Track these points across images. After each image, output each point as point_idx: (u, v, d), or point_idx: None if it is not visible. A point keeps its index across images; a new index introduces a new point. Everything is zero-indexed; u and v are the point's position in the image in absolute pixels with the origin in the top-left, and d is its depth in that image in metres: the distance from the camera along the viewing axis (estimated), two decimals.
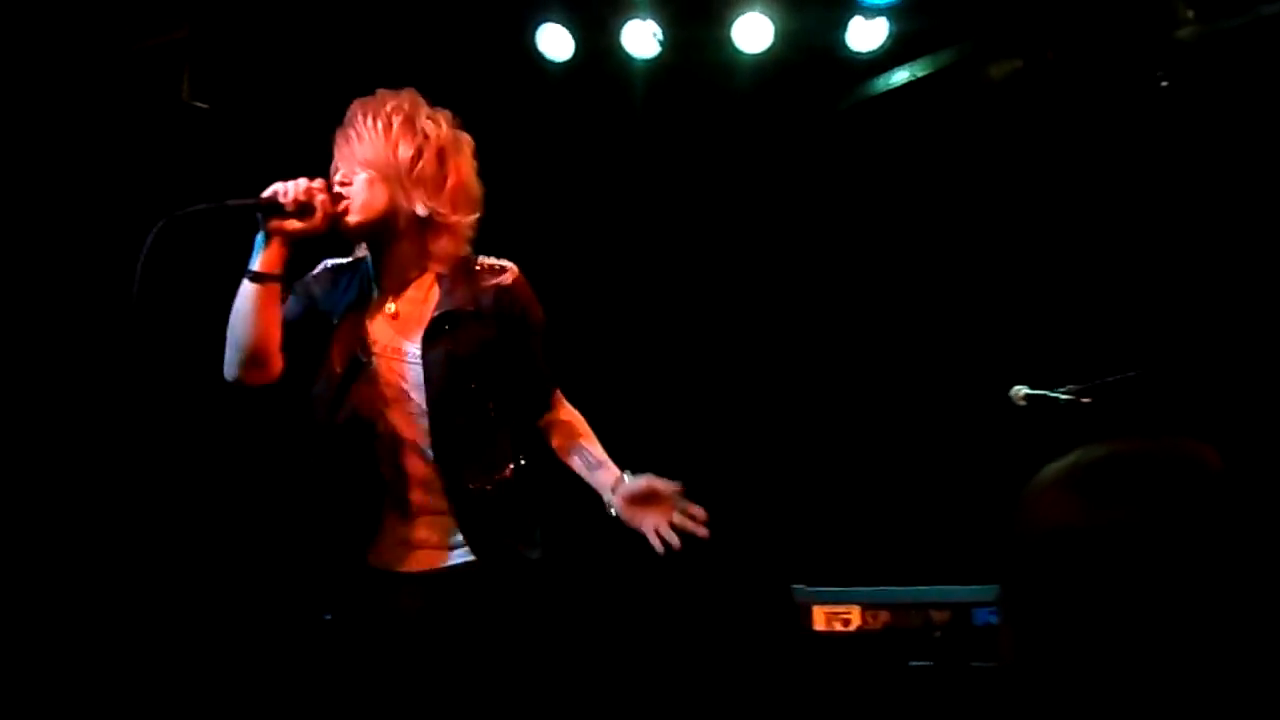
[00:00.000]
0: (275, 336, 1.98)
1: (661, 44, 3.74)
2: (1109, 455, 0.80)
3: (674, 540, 2.04)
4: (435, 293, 2.08)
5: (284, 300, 2.02)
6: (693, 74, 3.94)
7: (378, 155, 2.00)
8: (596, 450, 2.16)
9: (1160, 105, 3.46)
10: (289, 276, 2.03)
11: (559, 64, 3.81)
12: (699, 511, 2.05)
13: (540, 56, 3.79)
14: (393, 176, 2.00)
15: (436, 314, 2.04)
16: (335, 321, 2.07)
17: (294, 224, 1.94)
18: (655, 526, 2.04)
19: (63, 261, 3.33)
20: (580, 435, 2.18)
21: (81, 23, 3.26)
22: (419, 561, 2.05)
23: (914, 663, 2.66)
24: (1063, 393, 2.49)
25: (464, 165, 2.09)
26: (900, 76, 3.93)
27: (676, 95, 4.04)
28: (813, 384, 4.13)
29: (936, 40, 3.86)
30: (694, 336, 4.28)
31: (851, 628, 2.61)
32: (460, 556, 2.04)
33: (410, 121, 2.04)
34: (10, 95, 3.22)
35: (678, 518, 2.04)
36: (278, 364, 2.00)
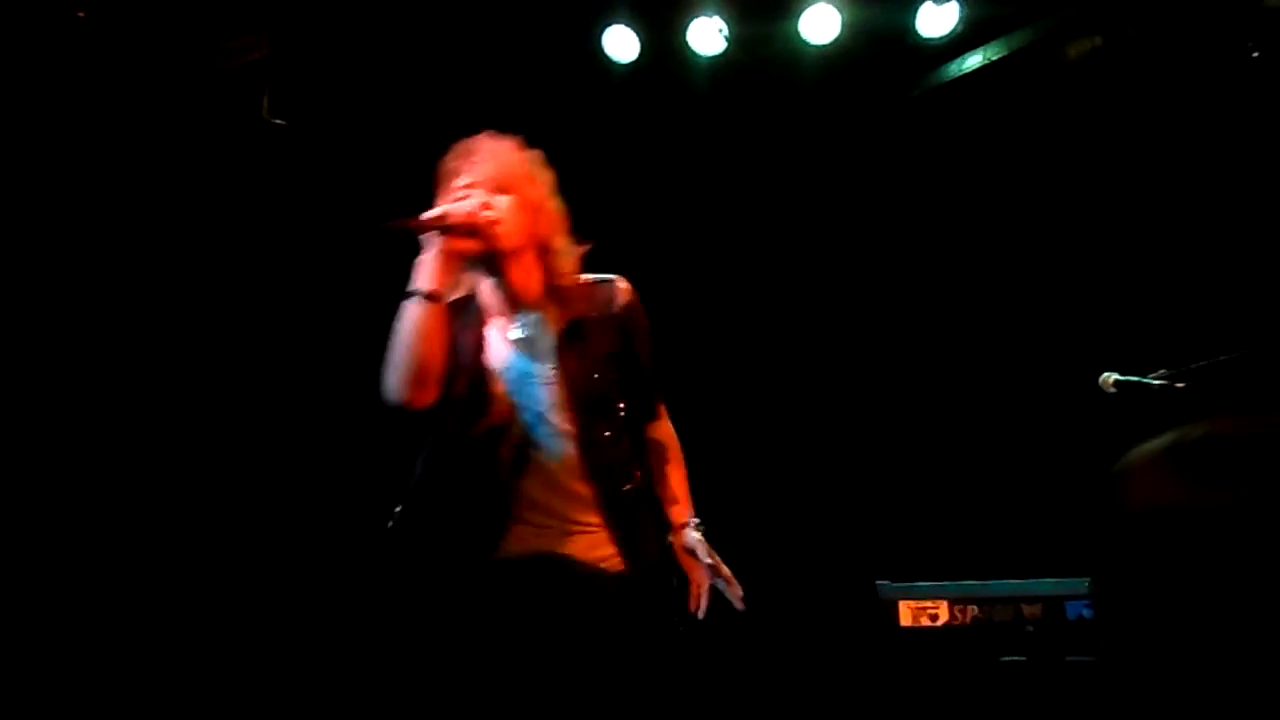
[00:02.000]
0: (443, 357, 1.98)
1: (728, 40, 3.72)
2: (1208, 434, 0.77)
3: (701, 609, 2.08)
4: (553, 312, 2.11)
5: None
6: (760, 69, 3.92)
7: (517, 181, 2.07)
8: (676, 482, 2.17)
9: (1251, 78, 3.32)
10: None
11: (625, 65, 3.82)
12: (737, 589, 2.06)
13: (606, 58, 3.81)
14: (528, 205, 2.07)
15: (565, 326, 2.07)
16: (457, 345, 2.07)
17: (466, 244, 1.98)
18: (698, 584, 2.09)
19: (149, 271, 3.47)
20: (666, 462, 2.18)
21: (168, 47, 3.38)
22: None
23: (1005, 658, 2.60)
24: (1155, 378, 2.41)
25: (555, 196, 2.16)
26: (973, 61, 3.85)
27: (744, 91, 4.02)
28: (897, 376, 4.07)
29: (1010, 21, 3.77)
30: (771, 333, 4.25)
31: (939, 623, 2.56)
32: (606, 564, 2.04)
33: (535, 161, 2.13)
34: (98, 115, 3.36)
35: (720, 585, 2.07)
36: (441, 384, 1.99)
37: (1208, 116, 3.46)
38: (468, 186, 2.04)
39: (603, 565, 2.01)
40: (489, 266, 2.07)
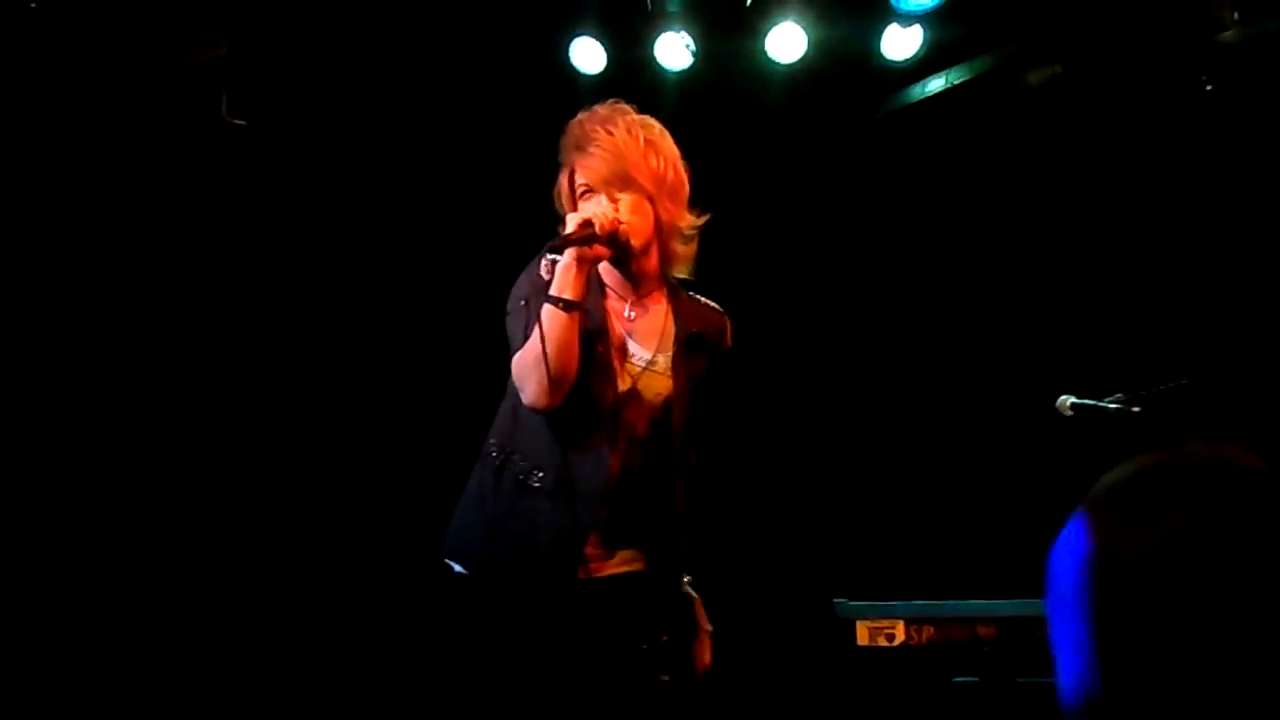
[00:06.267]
0: (578, 361, 1.96)
1: (694, 55, 3.72)
2: (1131, 474, 0.76)
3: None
4: (666, 308, 2.11)
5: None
6: (726, 85, 3.92)
7: (637, 173, 2.02)
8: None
9: (1204, 109, 3.39)
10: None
11: (591, 77, 3.81)
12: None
13: (573, 70, 3.79)
14: (653, 193, 2.03)
15: (687, 335, 2.08)
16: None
17: (601, 251, 1.97)
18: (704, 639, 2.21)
19: (106, 271, 3.39)
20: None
21: (125, 43, 3.31)
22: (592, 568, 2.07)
23: (959, 678, 2.60)
24: (1111, 402, 2.43)
25: (682, 164, 2.11)
26: (936, 84, 3.89)
27: (709, 107, 4.03)
28: (854, 396, 4.08)
29: (973, 47, 3.82)
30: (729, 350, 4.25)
31: (895, 643, 2.56)
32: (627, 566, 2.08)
33: (651, 133, 2.08)
34: (55, 113, 3.28)
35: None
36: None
37: (1163, 145, 3.53)
38: (588, 189, 2.02)
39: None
40: (615, 256, 2.06)
